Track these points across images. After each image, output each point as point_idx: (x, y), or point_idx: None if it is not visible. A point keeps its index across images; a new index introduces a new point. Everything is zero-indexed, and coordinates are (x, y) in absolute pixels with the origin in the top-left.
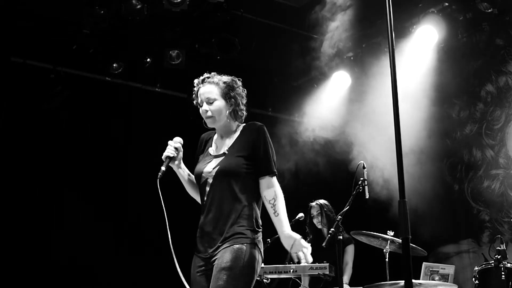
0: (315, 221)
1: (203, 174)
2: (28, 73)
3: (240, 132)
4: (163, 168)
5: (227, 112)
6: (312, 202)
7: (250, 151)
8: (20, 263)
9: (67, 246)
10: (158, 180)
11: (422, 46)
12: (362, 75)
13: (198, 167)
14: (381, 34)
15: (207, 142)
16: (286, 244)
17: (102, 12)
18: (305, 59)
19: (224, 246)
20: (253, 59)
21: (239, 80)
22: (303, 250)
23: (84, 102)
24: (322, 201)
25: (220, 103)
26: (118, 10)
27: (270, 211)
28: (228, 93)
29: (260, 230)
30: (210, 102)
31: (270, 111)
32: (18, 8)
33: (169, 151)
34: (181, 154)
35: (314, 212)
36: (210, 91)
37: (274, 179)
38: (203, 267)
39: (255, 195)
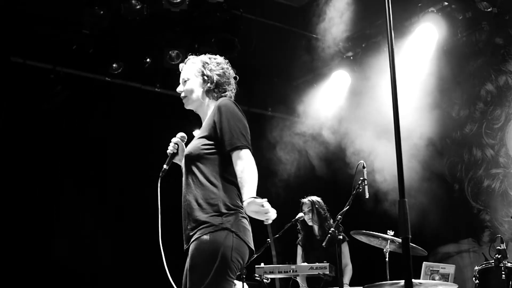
0: (306, 217)
1: (182, 165)
2: (28, 73)
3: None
4: (165, 166)
5: (202, 91)
6: (304, 198)
7: (211, 130)
8: (20, 263)
9: (68, 246)
10: (160, 178)
11: (421, 46)
12: (362, 75)
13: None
14: (380, 34)
15: None
16: (251, 213)
17: (102, 12)
18: (305, 58)
19: (191, 240)
20: (252, 59)
21: (223, 57)
22: (264, 211)
23: (83, 102)
24: (314, 198)
25: (192, 82)
26: (117, 10)
27: (239, 185)
28: (202, 71)
29: (232, 211)
30: (184, 82)
31: (270, 111)
32: (18, 8)
33: (169, 148)
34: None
35: (305, 208)
36: (185, 71)
37: (244, 152)
38: (186, 263)
39: (224, 176)
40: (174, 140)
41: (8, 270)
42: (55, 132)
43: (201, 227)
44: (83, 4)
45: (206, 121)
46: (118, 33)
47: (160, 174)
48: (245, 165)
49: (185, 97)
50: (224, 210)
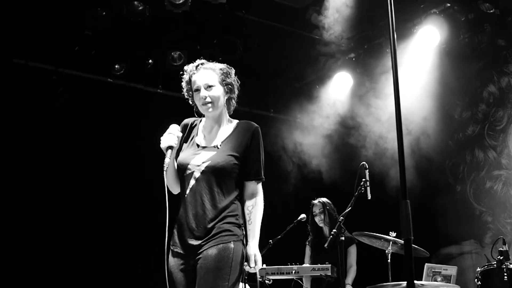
0: (317, 219)
1: (189, 166)
2: (30, 75)
3: (234, 128)
4: (168, 159)
5: (224, 99)
6: (314, 200)
7: (242, 152)
8: (21, 263)
9: (69, 246)
10: (165, 172)
11: (424, 47)
12: (364, 76)
13: (184, 157)
14: (383, 35)
15: (192, 129)
16: (250, 254)
17: (104, 13)
18: (307, 60)
19: (210, 244)
20: (255, 60)
21: (230, 68)
22: (255, 267)
23: (85, 103)
24: (324, 199)
25: (218, 89)
26: (120, 11)
27: (246, 217)
28: (224, 80)
29: (243, 225)
30: (208, 87)
31: (272, 112)
32: (19, 9)
33: (173, 141)
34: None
35: (316, 210)
36: (208, 76)
37: (260, 185)
38: (184, 265)
39: (239, 193)
40: (175, 132)
41: (8, 271)
42: (57, 133)
43: (223, 234)
44: (85, 6)
45: (234, 139)
46: (120, 34)
47: (165, 168)
48: (258, 201)
49: (211, 103)
50: (241, 224)
